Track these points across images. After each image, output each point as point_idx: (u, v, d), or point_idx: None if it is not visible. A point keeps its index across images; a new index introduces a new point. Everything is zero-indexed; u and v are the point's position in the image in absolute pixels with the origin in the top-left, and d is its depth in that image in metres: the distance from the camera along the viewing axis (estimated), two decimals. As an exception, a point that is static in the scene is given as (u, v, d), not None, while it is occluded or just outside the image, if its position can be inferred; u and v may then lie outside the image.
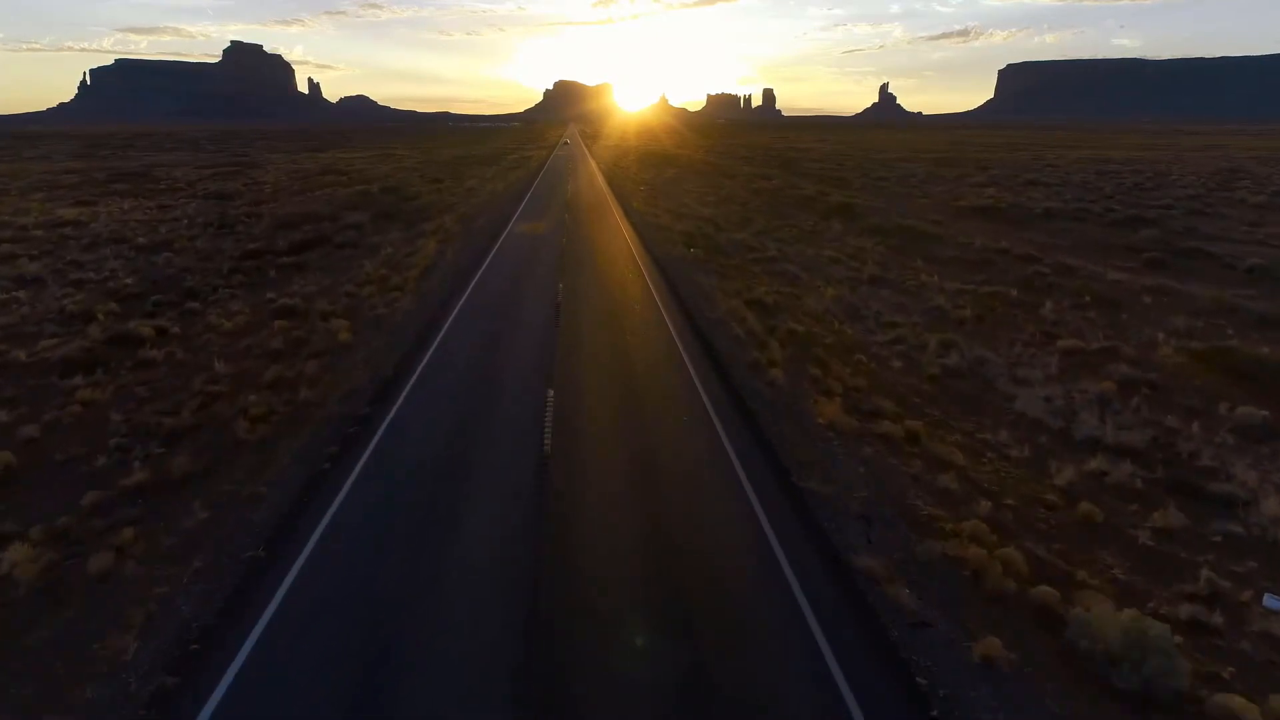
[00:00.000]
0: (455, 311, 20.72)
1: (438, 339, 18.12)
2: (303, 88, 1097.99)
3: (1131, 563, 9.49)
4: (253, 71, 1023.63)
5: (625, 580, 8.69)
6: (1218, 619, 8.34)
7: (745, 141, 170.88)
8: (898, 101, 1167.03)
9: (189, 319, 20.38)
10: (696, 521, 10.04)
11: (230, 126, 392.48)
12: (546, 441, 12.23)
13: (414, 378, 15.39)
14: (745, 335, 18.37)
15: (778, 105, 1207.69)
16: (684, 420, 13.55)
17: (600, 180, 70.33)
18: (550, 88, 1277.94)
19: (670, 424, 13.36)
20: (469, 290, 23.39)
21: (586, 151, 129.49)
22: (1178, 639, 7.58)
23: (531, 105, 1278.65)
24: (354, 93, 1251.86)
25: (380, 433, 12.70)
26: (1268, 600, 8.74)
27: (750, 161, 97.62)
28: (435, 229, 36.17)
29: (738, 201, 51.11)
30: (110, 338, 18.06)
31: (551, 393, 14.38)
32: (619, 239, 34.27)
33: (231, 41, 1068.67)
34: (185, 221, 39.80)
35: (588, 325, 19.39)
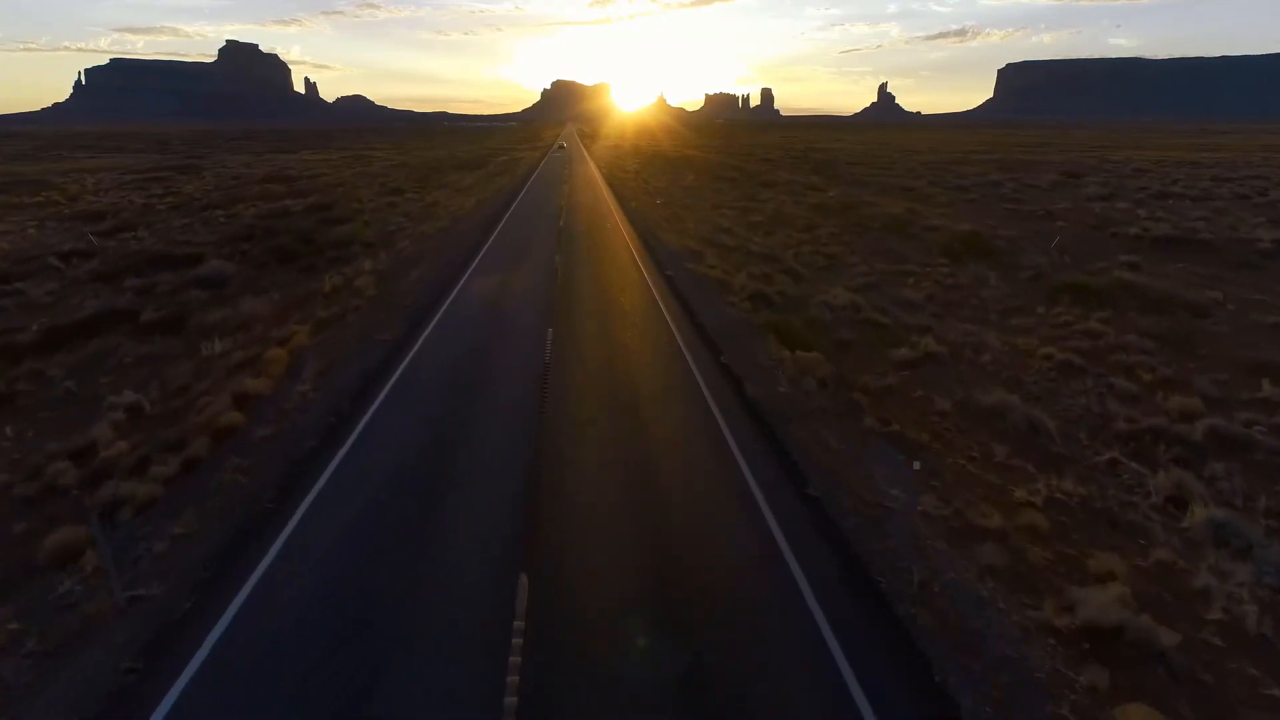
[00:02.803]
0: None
1: None
2: (299, 88, 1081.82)
3: None
4: (249, 71, 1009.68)
5: None
6: None
7: (753, 141, 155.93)
8: (896, 101, 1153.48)
9: None
10: None
11: (219, 126, 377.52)
12: None
13: None
14: None
15: (776, 105, 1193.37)
16: None
17: (603, 188, 55.56)
18: (548, 88, 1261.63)
19: None
20: (256, 579, 7.74)
21: (585, 153, 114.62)
22: None
23: (529, 105, 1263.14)
24: (351, 93, 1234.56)
25: None
26: None
27: (776, 164, 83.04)
28: (339, 287, 21.81)
29: (797, 224, 36.75)
30: None
31: None
32: (652, 320, 18.39)
33: (227, 41, 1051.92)
34: (-37, 267, 25.52)
35: None
